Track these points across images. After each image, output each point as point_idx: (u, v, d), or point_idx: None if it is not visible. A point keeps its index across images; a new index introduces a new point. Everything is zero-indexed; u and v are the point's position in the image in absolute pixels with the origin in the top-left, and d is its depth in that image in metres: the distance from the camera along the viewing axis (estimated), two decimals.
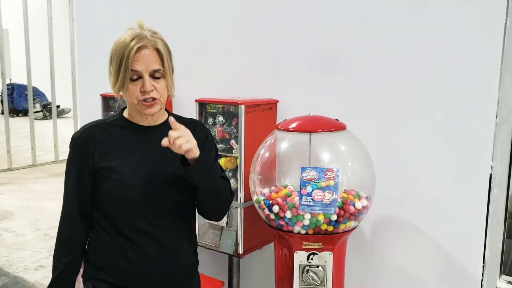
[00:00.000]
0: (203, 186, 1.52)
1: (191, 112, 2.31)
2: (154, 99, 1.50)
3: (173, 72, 1.57)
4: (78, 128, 1.70)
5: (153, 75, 1.49)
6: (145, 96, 1.49)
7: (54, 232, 4.55)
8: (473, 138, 1.97)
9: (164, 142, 1.39)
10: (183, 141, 1.39)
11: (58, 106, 10.04)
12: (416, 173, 2.11)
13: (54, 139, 7.95)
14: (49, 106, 12.93)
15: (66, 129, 8.95)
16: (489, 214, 1.98)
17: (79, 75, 3.57)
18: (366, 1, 2.16)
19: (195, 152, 1.42)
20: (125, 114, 1.62)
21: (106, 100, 2.77)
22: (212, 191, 1.56)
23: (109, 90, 2.82)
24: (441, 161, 2.04)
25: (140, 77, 1.48)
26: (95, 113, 2.86)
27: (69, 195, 1.58)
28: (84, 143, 1.55)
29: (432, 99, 2.03)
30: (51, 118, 8.26)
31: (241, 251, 2.26)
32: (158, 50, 1.50)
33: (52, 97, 8.11)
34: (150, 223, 1.55)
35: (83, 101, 3.60)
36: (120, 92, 1.54)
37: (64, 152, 8.02)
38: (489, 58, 1.90)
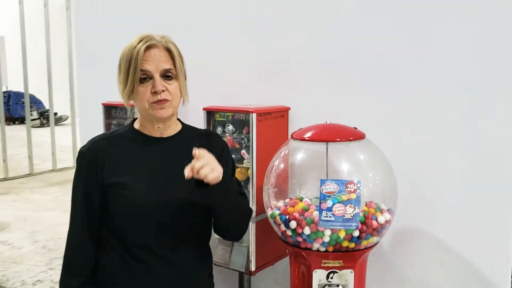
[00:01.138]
0: (221, 209, 1.43)
1: (198, 121, 2.18)
2: (166, 100, 1.39)
3: (186, 78, 1.46)
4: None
5: (164, 75, 1.39)
6: (156, 97, 1.38)
7: (52, 244, 4.44)
8: (499, 146, 1.85)
9: (188, 174, 1.26)
10: (208, 171, 1.27)
11: (55, 114, 9.90)
12: (439, 183, 1.99)
13: (52, 147, 7.79)
14: (46, 114, 12.76)
15: (64, 136, 8.83)
16: None
17: (79, 82, 3.45)
18: (382, 5, 2.04)
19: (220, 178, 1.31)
20: (136, 125, 1.51)
21: (108, 109, 2.65)
22: (230, 213, 1.47)
23: (111, 98, 2.72)
24: (466, 170, 1.92)
25: (150, 78, 1.38)
26: (96, 122, 2.75)
27: (77, 213, 1.46)
28: (93, 158, 1.44)
29: (456, 106, 1.92)
30: (49, 126, 8.12)
31: (253, 268, 2.13)
32: (168, 50, 1.41)
33: (50, 104, 7.97)
34: (162, 243, 1.43)
35: (83, 109, 3.47)
36: (131, 102, 1.42)
37: (62, 160, 7.91)
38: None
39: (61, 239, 4.43)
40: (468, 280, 1.96)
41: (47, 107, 10.53)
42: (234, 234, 1.62)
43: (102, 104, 2.64)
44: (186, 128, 1.56)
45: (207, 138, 1.57)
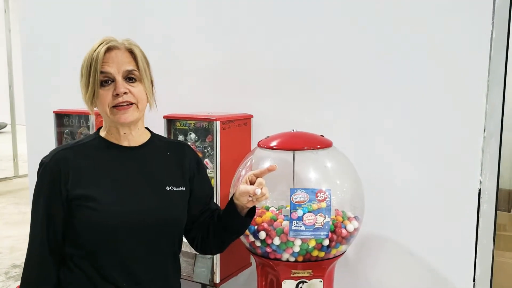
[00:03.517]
0: (240, 229, 1.52)
1: (158, 130, 2.11)
2: (129, 103, 1.33)
3: (153, 84, 1.42)
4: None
5: (127, 77, 1.34)
6: (117, 100, 1.32)
7: None
8: (461, 152, 1.90)
9: (257, 191, 1.36)
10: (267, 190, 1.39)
11: None
12: (402, 189, 2.01)
13: None
14: None
15: (3, 145, 8.39)
16: (479, 230, 1.92)
17: (26, 90, 3.26)
18: (344, 14, 2.05)
19: None
20: (102, 133, 1.43)
21: (60, 117, 2.51)
22: (239, 232, 1.55)
23: (62, 106, 2.59)
24: (429, 177, 1.96)
25: (112, 80, 1.32)
26: (46, 130, 2.62)
27: (38, 229, 1.35)
28: (55, 169, 1.33)
29: (419, 113, 1.95)
30: None
31: (217, 280, 2.07)
32: (131, 51, 1.35)
33: None
34: (132, 260, 1.35)
35: (31, 117, 3.29)
36: (96, 109, 1.35)
37: (2, 170, 7.48)
38: (476, 70, 1.84)
39: (2, 254, 4.18)
40: (432, 284, 1.99)
41: None
42: (222, 249, 1.59)
43: (54, 112, 2.50)
44: (154, 137, 1.49)
45: (180, 149, 1.51)
